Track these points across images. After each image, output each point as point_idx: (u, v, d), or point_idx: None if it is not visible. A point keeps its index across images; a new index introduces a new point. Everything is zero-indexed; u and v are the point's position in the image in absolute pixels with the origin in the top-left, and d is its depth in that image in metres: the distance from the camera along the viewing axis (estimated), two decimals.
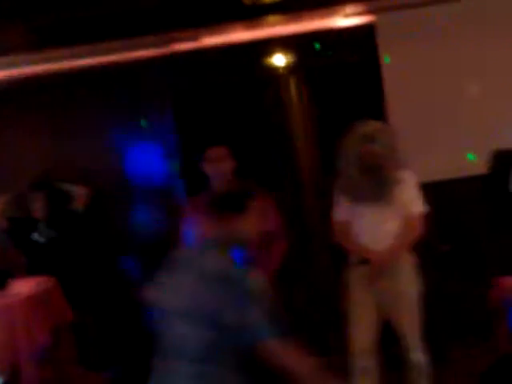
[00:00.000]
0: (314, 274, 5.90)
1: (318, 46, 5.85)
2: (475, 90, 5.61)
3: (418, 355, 4.25)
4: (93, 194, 5.74)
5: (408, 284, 4.23)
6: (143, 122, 6.01)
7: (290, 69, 5.89)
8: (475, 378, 3.93)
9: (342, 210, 4.28)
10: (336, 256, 4.67)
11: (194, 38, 5.53)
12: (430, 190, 4.32)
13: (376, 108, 5.67)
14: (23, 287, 4.60)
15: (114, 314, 6.03)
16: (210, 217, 2.86)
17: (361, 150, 4.10)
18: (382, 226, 4.15)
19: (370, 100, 5.81)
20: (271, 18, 5.35)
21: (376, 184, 4.11)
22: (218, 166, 4.19)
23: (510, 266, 4.65)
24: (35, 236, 5.54)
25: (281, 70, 5.89)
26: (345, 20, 5.61)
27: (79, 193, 5.68)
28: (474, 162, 5.59)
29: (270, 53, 5.85)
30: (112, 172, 5.98)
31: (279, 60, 5.86)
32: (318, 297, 5.89)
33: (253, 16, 5.25)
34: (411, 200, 4.17)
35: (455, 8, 5.58)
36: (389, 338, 4.34)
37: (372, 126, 4.15)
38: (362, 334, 4.25)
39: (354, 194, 4.19)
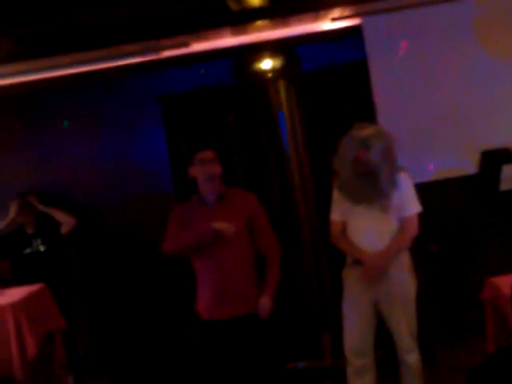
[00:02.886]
0: (306, 276, 5.92)
1: (306, 50, 5.88)
2: (464, 91, 5.64)
3: (412, 356, 4.29)
4: (78, 224, 5.79)
5: (403, 285, 4.26)
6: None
7: (278, 73, 5.90)
8: (464, 376, 3.95)
9: (339, 211, 4.33)
10: (333, 257, 4.69)
11: (183, 45, 5.54)
12: (420, 190, 4.34)
13: (366, 110, 5.69)
14: (14, 295, 4.61)
15: (107, 322, 6.07)
16: None
17: (355, 155, 4.13)
18: (377, 227, 4.20)
19: (359, 103, 5.84)
20: (258, 23, 5.37)
21: (371, 187, 4.14)
22: (209, 169, 4.22)
23: (500, 265, 4.67)
24: (27, 250, 5.63)
25: (269, 75, 5.90)
26: (332, 24, 5.63)
27: (66, 220, 5.71)
28: None
29: (259, 58, 5.86)
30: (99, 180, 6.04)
31: (267, 65, 5.88)
32: (310, 298, 5.93)
33: (240, 21, 5.27)
34: (407, 202, 4.21)
35: (443, 10, 5.62)
36: (383, 339, 4.37)
37: (368, 130, 4.17)
38: (358, 333, 4.30)
39: (351, 196, 4.24)
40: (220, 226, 4.09)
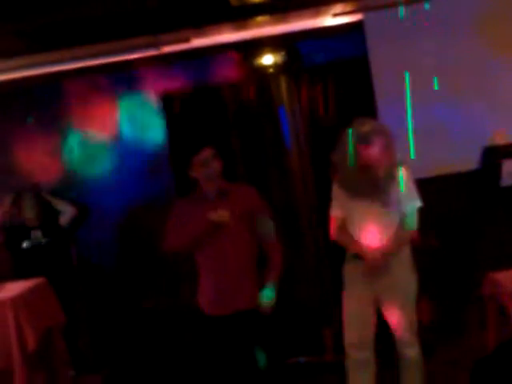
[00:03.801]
0: (306, 271, 5.93)
1: (307, 45, 5.88)
2: (466, 87, 5.63)
3: (413, 350, 4.30)
4: (79, 215, 5.78)
5: (404, 280, 4.28)
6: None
7: (279, 68, 5.90)
8: (464, 371, 3.96)
9: (339, 206, 4.34)
10: (333, 250, 4.69)
11: (184, 40, 5.54)
12: (421, 186, 4.35)
13: (367, 105, 5.69)
14: (14, 288, 4.60)
15: (106, 317, 6.08)
16: None
17: (356, 150, 4.14)
18: (378, 222, 4.21)
19: (360, 98, 5.84)
20: (259, 19, 5.37)
21: (372, 181, 4.15)
22: (208, 169, 4.20)
23: (500, 260, 4.67)
24: (26, 243, 5.64)
25: (271, 70, 5.90)
26: (333, 19, 5.63)
27: (67, 209, 5.72)
28: None
29: (260, 53, 5.86)
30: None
31: (269, 60, 5.88)
32: (312, 293, 5.93)
33: (241, 17, 5.27)
34: (407, 196, 4.21)
35: (445, 4, 5.60)
36: (383, 333, 4.38)
37: (369, 125, 4.19)
38: (358, 327, 4.31)
39: (351, 190, 4.25)
40: (216, 216, 4.09)
